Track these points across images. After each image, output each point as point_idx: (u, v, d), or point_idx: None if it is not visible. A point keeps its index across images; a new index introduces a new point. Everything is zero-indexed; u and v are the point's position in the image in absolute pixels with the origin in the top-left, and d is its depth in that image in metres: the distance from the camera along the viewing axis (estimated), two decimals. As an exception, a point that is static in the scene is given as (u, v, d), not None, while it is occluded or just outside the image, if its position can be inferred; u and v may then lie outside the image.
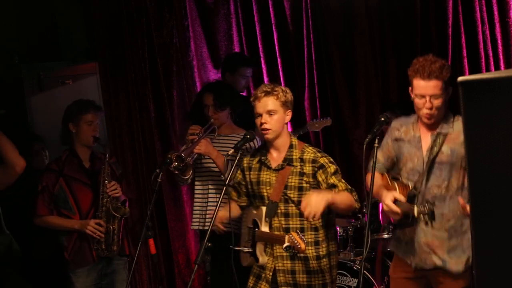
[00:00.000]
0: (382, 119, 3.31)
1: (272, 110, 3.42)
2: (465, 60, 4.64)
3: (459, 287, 3.32)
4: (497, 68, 4.53)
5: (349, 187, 3.45)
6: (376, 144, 3.21)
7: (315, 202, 3.23)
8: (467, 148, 1.67)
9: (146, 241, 3.61)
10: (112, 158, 4.38)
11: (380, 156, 3.51)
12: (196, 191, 4.41)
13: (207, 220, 4.32)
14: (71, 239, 4.14)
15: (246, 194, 3.67)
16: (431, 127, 3.36)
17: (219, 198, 3.43)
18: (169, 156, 3.96)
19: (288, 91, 3.53)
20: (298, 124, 5.33)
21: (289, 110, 3.50)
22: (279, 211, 3.47)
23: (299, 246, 3.22)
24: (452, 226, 3.29)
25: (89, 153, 4.23)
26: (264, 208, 3.49)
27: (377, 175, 3.46)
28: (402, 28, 4.89)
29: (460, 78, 1.67)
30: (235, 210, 3.64)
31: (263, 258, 3.50)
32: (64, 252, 4.18)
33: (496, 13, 4.51)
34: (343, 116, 5.16)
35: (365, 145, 3.31)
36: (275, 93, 3.44)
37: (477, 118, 1.63)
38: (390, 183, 3.41)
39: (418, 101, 3.30)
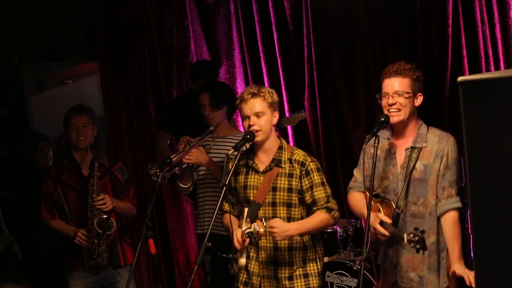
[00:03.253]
0: (382, 119, 3.30)
1: (260, 112, 3.38)
2: (465, 60, 4.64)
3: None
4: (497, 68, 4.53)
5: (330, 204, 3.43)
6: (375, 144, 3.20)
7: (280, 231, 3.30)
8: (467, 148, 1.67)
9: (146, 241, 3.61)
10: (118, 163, 4.38)
11: (358, 175, 3.51)
12: (197, 193, 4.41)
13: (205, 222, 4.32)
14: (68, 242, 4.15)
15: (237, 201, 3.60)
16: (405, 140, 3.34)
17: (218, 200, 3.39)
18: (153, 168, 3.92)
19: (274, 92, 3.47)
20: (297, 124, 5.33)
21: (276, 112, 3.46)
22: (267, 215, 3.42)
23: (258, 231, 3.28)
24: (433, 243, 3.29)
25: (89, 160, 4.19)
26: (246, 209, 3.46)
27: (358, 195, 3.47)
28: (402, 28, 4.89)
29: (460, 78, 1.67)
30: (236, 222, 3.54)
31: (241, 261, 3.45)
32: (62, 253, 4.24)
33: (496, 13, 4.51)
34: (343, 116, 5.16)
35: (364, 145, 3.32)
36: (261, 94, 3.39)
37: (477, 118, 1.63)
38: (373, 203, 3.40)
39: (383, 101, 3.32)
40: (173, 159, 3.95)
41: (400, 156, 3.35)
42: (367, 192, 3.23)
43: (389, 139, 3.40)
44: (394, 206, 3.32)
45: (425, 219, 3.30)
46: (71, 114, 4.18)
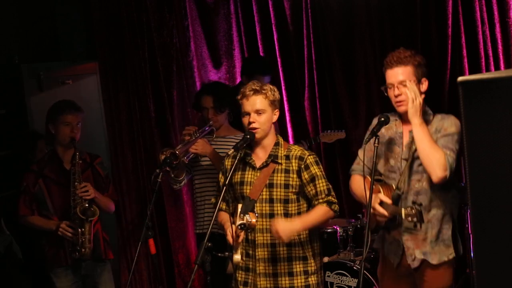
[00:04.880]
0: (382, 119, 3.31)
1: (261, 110, 3.38)
2: (465, 60, 4.64)
3: (442, 283, 3.34)
4: (497, 68, 4.53)
5: (331, 197, 3.45)
6: (376, 144, 3.20)
7: (283, 232, 3.30)
8: (467, 148, 1.67)
9: (146, 241, 3.61)
10: (98, 158, 4.38)
11: (362, 156, 3.51)
12: (196, 193, 4.40)
13: (205, 222, 4.31)
14: (49, 239, 4.15)
15: (233, 198, 3.59)
16: (410, 123, 3.34)
17: (218, 200, 3.39)
18: (164, 153, 3.94)
19: (276, 90, 3.46)
20: (297, 124, 5.33)
21: (277, 110, 3.46)
22: (264, 211, 3.42)
23: (250, 221, 3.24)
24: (434, 215, 3.31)
25: (71, 154, 4.16)
26: (240, 205, 3.43)
27: (360, 179, 3.47)
28: (402, 28, 4.89)
29: (460, 78, 1.67)
30: (228, 219, 3.52)
31: (236, 257, 3.38)
32: (44, 252, 4.20)
33: (496, 13, 4.51)
34: (343, 116, 5.16)
35: (364, 145, 3.32)
36: (263, 91, 3.38)
37: (477, 118, 1.63)
38: (374, 186, 3.40)
39: (389, 92, 3.31)
40: (180, 149, 3.97)
41: (406, 138, 3.36)
42: (368, 177, 3.24)
43: (396, 119, 3.40)
44: (394, 188, 3.33)
45: (427, 194, 3.30)
46: (66, 111, 4.16)
